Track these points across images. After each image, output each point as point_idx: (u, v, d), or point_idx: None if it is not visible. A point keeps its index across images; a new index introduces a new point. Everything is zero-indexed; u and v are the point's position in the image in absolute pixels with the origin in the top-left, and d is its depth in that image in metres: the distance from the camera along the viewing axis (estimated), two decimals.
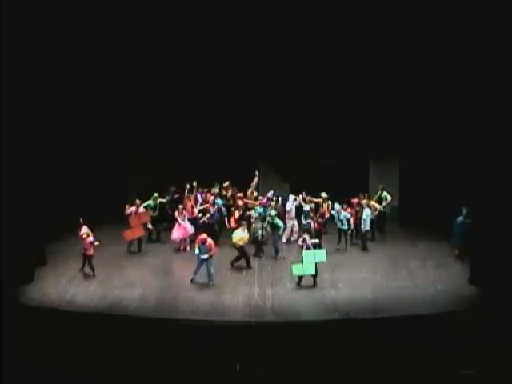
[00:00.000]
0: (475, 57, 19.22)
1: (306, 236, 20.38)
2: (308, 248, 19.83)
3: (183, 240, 22.21)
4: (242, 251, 20.87)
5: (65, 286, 19.70)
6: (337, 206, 22.18)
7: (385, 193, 23.32)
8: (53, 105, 21.36)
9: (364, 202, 22.26)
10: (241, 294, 19.33)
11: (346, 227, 22.00)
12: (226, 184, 23.74)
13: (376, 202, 23.00)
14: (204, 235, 20.08)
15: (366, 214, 21.84)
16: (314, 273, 19.63)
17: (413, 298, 19.05)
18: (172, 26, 22.31)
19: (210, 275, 19.86)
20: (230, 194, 23.68)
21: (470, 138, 19.85)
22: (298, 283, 19.78)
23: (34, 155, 20.03)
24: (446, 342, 16.40)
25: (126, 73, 23.06)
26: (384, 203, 23.14)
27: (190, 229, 22.09)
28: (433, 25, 21.26)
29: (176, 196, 23.33)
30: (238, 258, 20.94)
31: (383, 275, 20.39)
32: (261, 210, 22.12)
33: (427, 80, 22.51)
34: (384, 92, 23.44)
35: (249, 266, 20.90)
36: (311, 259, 19.59)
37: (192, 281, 19.90)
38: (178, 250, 22.22)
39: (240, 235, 20.75)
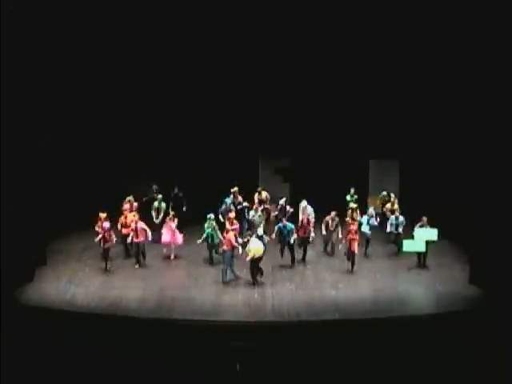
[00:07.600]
0: (475, 57, 19.23)
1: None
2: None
3: (169, 247, 21.33)
4: (254, 264, 19.58)
5: (65, 286, 19.69)
6: (371, 210, 21.94)
7: (385, 192, 23.23)
8: (53, 104, 21.35)
9: (395, 206, 22.11)
10: (241, 294, 19.32)
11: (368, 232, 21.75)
12: (234, 189, 22.37)
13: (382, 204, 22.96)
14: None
15: (401, 218, 21.56)
16: (423, 250, 19.91)
17: (413, 298, 19.04)
18: (171, 24, 22.32)
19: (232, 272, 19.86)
20: (238, 200, 22.33)
21: (471, 138, 19.85)
22: (419, 264, 20.30)
23: (34, 155, 20.02)
24: (446, 342, 16.41)
25: (126, 72, 23.09)
26: (394, 203, 22.78)
27: (179, 237, 21.22)
28: (433, 25, 21.27)
29: (155, 194, 22.54)
30: (253, 273, 19.68)
31: (383, 275, 20.39)
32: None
33: (427, 80, 22.52)
34: (384, 92, 23.44)
35: (261, 274, 19.81)
36: (421, 236, 19.72)
37: (224, 282, 19.62)
38: (166, 257, 21.45)
39: (254, 247, 19.63)
